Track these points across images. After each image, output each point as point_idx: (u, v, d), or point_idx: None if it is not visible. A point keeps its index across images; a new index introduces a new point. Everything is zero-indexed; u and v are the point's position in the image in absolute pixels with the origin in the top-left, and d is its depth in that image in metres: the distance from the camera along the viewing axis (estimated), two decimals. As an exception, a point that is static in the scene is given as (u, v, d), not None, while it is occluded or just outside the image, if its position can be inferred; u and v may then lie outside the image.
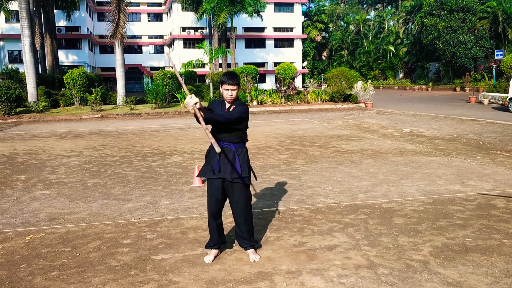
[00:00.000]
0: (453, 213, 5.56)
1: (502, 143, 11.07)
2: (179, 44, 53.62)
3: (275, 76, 26.67)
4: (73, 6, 39.57)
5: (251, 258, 4.25)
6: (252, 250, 4.34)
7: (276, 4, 55.83)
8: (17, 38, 40.66)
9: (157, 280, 3.85)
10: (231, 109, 4.14)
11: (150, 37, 60.08)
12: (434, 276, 3.82)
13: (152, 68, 56.86)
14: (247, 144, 4.37)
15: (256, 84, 29.36)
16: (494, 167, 8.26)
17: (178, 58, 52.88)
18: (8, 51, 47.80)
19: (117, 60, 27.35)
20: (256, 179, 4.40)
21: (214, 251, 4.31)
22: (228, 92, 4.08)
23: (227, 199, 4.32)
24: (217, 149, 3.75)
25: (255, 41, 56.04)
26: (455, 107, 23.10)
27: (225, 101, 4.19)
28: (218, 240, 4.31)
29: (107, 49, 54.02)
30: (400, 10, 65.97)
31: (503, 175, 7.56)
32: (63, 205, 6.33)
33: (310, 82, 31.45)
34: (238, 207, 4.24)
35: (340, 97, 26.07)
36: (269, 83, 53.43)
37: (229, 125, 4.06)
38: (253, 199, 6.26)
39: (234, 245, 4.63)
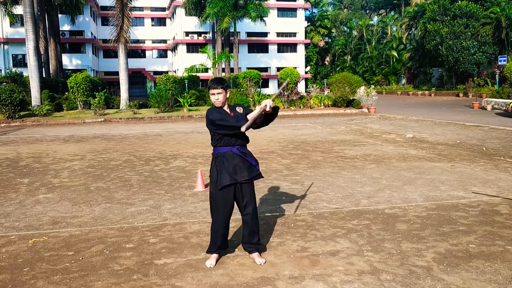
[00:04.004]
0: (456, 219, 5.54)
1: (506, 149, 11.04)
2: (182, 48, 53.78)
3: (278, 81, 26.72)
4: (77, 10, 39.77)
5: (258, 261, 4.27)
6: (257, 253, 4.36)
7: (279, 9, 55.98)
8: (21, 42, 40.84)
9: (159, 285, 3.85)
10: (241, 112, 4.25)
11: (154, 41, 60.27)
12: (437, 282, 3.80)
13: (155, 73, 57.01)
14: (249, 147, 4.43)
15: (259, 89, 29.41)
16: (498, 173, 8.23)
17: (181, 63, 53.03)
18: (12, 55, 48.03)
19: (121, 65, 27.44)
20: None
21: (215, 256, 4.32)
22: (214, 96, 4.18)
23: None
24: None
25: (258, 46, 56.15)
26: (458, 112, 23.07)
27: (221, 108, 4.22)
28: (222, 246, 4.32)
29: (111, 54, 54.23)
30: (403, 15, 66.03)
31: (506, 181, 7.53)
32: (66, 209, 6.34)
33: (313, 87, 31.51)
34: (251, 207, 4.30)
35: (343, 102, 26.08)
36: (272, 88, 53.50)
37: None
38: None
39: (236, 250, 4.62)
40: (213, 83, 4.18)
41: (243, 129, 3.96)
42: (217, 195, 4.24)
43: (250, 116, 4.07)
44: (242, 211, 4.35)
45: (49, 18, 36.40)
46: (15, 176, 8.79)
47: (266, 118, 4.19)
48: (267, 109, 4.00)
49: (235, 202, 4.34)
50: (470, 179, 7.73)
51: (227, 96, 4.23)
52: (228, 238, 4.88)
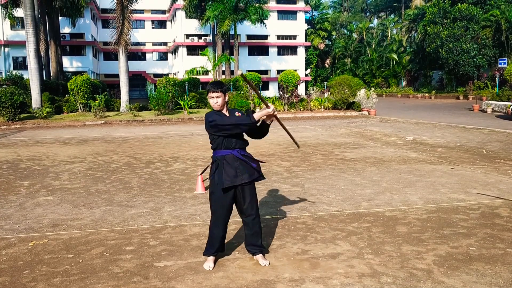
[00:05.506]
0: (456, 221, 5.54)
1: (506, 151, 11.04)
2: (182, 51, 53.83)
3: (278, 83, 26.74)
4: (77, 13, 39.84)
5: (262, 263, 4.27)
6: (260, 255, 4.35)
7: (279, 12, 56.07)
8: (22, 44, 40.85)
9: (159, 287, 3.85)
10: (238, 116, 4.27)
11: (154, 44, 60.36)
12: (437, 285, 3.80)
13: (156, 75, 57.07)
14: (250, 150, 4.44)
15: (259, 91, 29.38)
16: (498, 175, 8.23)
17: (181, 65, 53.07)
18: (13, 57, 48.08)
19: (121, 67, 27.47)
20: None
21: (212, 258, 4.31)
22: (213, 99, 4.18)
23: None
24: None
25: (259, 49, 56.21)
26: (458, 115, 23.08)
27: (220, 111, 4.22)
28: (219, 248, 4.32)
29: (111, 56, 54.26)
30: (403, 18, 66.08)
31: (507, 184, 7.53)
32: (66, 211, 6.34)
33: (313, 89, 31.55)
34: (254, 209, 4.28)
35: (343, 105, 26.09)
36: (272, 91, 53.54)
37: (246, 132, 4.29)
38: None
39: (236, 252, 4.62)
40: (212, 87, 4.19)
41: (257, 116, 4.08)
42: (216, 197, 4.23)
43: (258, 114, 4.13)
44: (243, 214, 4.32)
45: (50, 20, 36.46)
46: (15, 179, 8.79)
47: (263, 128, 4.28)
48: (270, 111, 4.12)
49: (234, 205, 4.34)
50: (470, 182, 7.73)
51: (226, 99, 4.22)
52: (228, 241, 4.89)
